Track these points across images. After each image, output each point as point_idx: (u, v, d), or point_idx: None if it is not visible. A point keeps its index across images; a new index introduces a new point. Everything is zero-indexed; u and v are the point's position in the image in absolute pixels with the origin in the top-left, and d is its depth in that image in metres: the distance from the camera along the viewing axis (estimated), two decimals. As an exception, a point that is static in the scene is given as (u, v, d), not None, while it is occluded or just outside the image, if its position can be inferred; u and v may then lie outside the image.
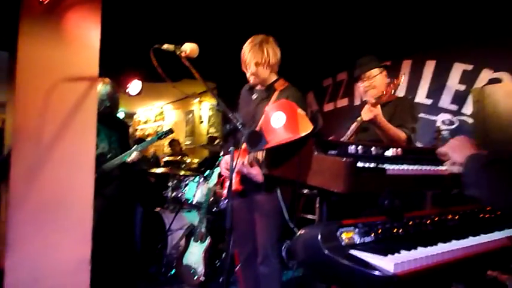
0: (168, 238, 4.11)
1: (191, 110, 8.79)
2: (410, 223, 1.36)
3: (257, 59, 2.36)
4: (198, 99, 8.14)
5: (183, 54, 2.09)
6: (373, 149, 1.53)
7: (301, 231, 1.24)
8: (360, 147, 1.49)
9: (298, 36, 4.45)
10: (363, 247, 1.15)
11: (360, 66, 2.59)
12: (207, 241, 3.60)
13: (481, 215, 1.66)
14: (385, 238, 1.25)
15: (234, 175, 2.49)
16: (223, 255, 3.50)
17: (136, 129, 11.06)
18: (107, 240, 3.26)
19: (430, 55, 3.75)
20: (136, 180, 5.45)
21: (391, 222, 1.32)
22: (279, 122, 1.38)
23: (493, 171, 1.14)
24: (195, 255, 3.60)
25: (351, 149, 1.46)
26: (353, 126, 2.43)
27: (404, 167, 1.37)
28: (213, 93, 1.86)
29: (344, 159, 1.19)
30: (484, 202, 1.19)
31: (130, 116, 11.64)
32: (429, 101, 3.74)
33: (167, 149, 8.81)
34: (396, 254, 1.09)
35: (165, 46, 2.11)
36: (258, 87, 2.54)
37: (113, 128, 3.46)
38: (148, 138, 3.76)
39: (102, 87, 3.33)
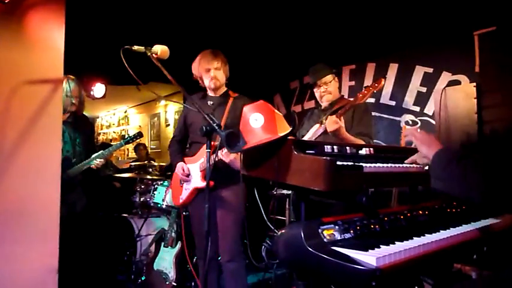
0: (137, 244, 4.02)
1: (156, 113, 8.64)
2: (386, 219, 1.41)
3: (216, 64, 2.60)
4: (164, 102, 8.02)
5: (154, 56, 2.07)
6: (347, 148, 1.58)
7: (282, 230, 1.25)
8: (335, 147, 1.53)
9: (264, 38, 4.50)
10: (344, 243, 1.19)
11: (314, 74, 2.77)
12: (178, 246, 3.55)
13: (449, 210, 1.74)
14: (364, 234, 1.29)
15: (199, 171, 2.57)
16: (195, 259, 3.45)
17: (99, 134, 10.73)
18: (72, 248, 3.14)
19: (393, 58, 3.90)
20: (101, 186, 5.29)
21: (368, 219, 1.36)
22: (257, 122, 1.39)
23: (462, 165, 1.20)
24: (165, 260, 3.54)
25: (328, 148, 1.50)
26: (318, 131, 2.50)
27: (379, 164, 1.42)
28: (187, 95, 1.84)
29: (324, 157, 1.21)
30: (452, 194, 1.25)
31: (92, 120, 11.29)
32: (393, 102, 3.88)
33: (132, 154, 8.61)
34: (376, 249, 1.13)
35: (135, 47, 2.10)
36: (212, 94, 2.71)
37: (78, 129, 3.33)
38: (115, 143, 3.66)
39: (66, 85, 3.19)
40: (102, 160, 3.23)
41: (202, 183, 2.55)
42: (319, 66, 2.78)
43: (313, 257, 1.09)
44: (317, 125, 2.57)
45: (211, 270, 2.73)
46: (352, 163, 1.32)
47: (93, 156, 3.22)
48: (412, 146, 1.50)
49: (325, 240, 1.17)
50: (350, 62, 4.28)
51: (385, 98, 3.93)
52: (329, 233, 1.21)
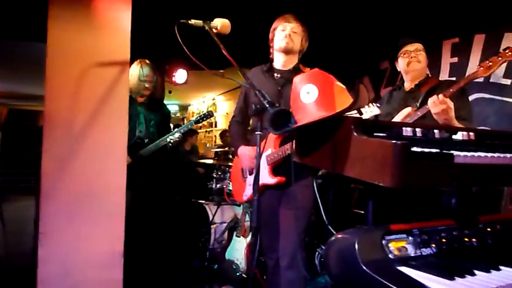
0: (211, 231, 3.96)
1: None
2: (488, 230, 1.00)
3: (296, 26, 2.30)
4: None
5: (214, 30, 1.87)
6: (436, 131, 1.18)
7: (336, 236, 0.94)
8: (418, 129, 1.14)
9: (351, 13, 4.05)
10: (419, 263, 0.84)
11: (403, 40, 2.34)
12: (251, 236, 3.38)
13: None
14: (452, 251, 0.91)
15: (266, 165, 2.26)
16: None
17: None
18: (144, 231, 3.16)
19: (508, 27, 3.19)
20: (184, 171, 5.39)
21: (460, 228, 0.98)
22: (310, 96, 1.08)
23: None
24: (237, 250, 3.40)
25: (407, 131, 1.13)
26: (412, 117, 2.03)
27: (479, 154, 1.01)
28: (240, 69, 1.59)
29: (394, 141, 0.87)
30: None
31: (185, 108, 11.81)
32: (508, 81, 3.19)
33: (219, 141, 8.74)
34: (469, 277, 0.76)
35: (193, 21, 1.93)
36: (280, 67, 2.36)
37: (153, 111, 3.31)
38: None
39: (140, 69, 3.20)
40: (177, 136, 3.18)
41: (272, 180, 2.21)
42: (407, 35, 2.35)
43: (370, 280, 0.77)
44: (408, 109, 2.08)
45: (277, 273, 2.41)
46: (437, 150, 0.95)
47: (167, 135, 3.18)
48: None
49: (390, 256, 0.83)
50: (452, 35, 3.64)
51: (497, 76, 3.25)
52: (398, 246, 0.87)
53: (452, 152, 0.95)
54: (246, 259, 3.29)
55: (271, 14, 2.55)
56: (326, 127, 1.04)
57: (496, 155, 1.04)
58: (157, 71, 3.37)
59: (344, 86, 1.15)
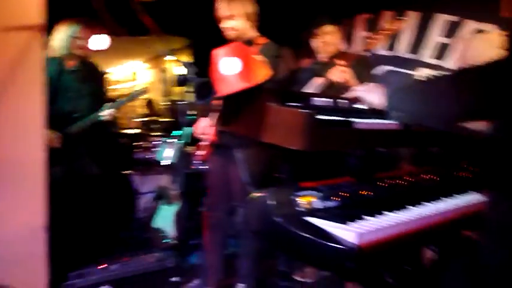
0: (138, 202, 3.95)
1: (165, 67, 8.38)
2: (381, 184, 1.20)
3: (233, 11, 2.22)
4: (171, 56, 7.74)
5: None
6: (341, 101, 1.35)
7: (254, 196, 1.06)
8: (326, 99, 1.30)
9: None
10: (323, 214, 0.99)
11: (315, 22, 2.54)
12: (178, 203, 3.45)
13: (458, 174, 1.52)
14: (351, 203, 1.09)
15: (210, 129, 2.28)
16: (196, 217, 3.36)
17: (107, 90, 10.58)
18: (77, 206, 3.07)
19: (411, 5, 3.51)
20: (108, 143, 5.20)
21: (359, 184, 1.16)
22: (231, 68, 1.16)
23: (419, 89, 1.07)
24: (165, 218, 3.45)
25: (317, 101, 1.28)
26: (319, 86, 2.26)
27: (375, 120, 1.19)
28: (161, 37, 1.61)
29: (302, 110, 0.99)
30: (412, 121, 1.11)
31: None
32: (410, 55, 3.55)
33: (144, 110, 8.46)
34: (361, 222, 0.93)
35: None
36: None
37: (86, 79, 3.05)
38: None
39: (68, 26, 2.87)
40: (109, 114, 2.97)
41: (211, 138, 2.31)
42: (320, 16, 2.56)
43: (283, 230, 0.91)
44: (319, 79, 2.32)
45: (219, 228, 2.58)
46: (340, 118, 1.10)
47: (100, 111, 2.96)
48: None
49: (299, 209, 0.97)
50: (364, 10, 3.91)
51: (401, 51, 3.60)
52: (307, 200, 1.01)
53: (351, 119, 1.11)
54: (175, 226, 3.37)
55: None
56: (246, 97, 1.14)
57: (387, 121, 1.22)
58: (90, 29, 2.99)
59: (262, 59, 1.25)
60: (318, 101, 1.29)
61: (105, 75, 3.44)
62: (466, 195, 1.28)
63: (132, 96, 3.28)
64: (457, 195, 1.25)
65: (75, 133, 2.97)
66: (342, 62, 2.12)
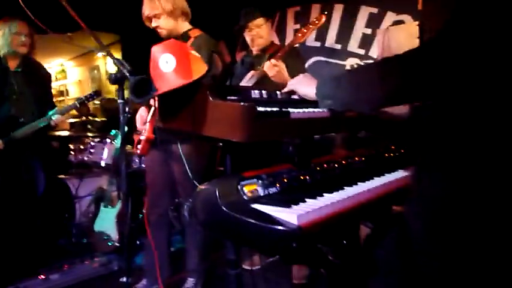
0: (76, 206, 3.79)
1: (96, 65, 8.02)
2: (318, 169, 1.29)
3: (153, 11, 2.22)
4: (102, 53, 7.41)
5: None
6: (278, 93, 1.41)
7: (200, 188, 1.10)
8: (264, 92, 1.36)
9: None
10: (267, 200, 1.05)
11: (245, 16, 2.58)
12: (119, 205, 3.36)
13: (386, 155, 1.66)
14: (292, 188, 1.16)
15: (148, 124, 2.31)
16: (139, 217, 3.31)
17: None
18: (11, 214, 2.88)
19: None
20: (41, 146, 4.88)
21: (298, 170, 1.23)
22: (168, 65, 1.18)
23: (345, 78, 1.16)
24: (107, 220, 3.35)
25: (255, 93, 1.33)
26: (252, 79, 2.33)
27: (309, 110, 1.27)
28: (93, 35, 1.56)
29: (242, 103, 1.04)
30: (341, 108, 1.20)
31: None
32: (338, 46, 3.74)
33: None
34: (301, 204, 1.00)
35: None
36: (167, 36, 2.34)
37: (31, 80, 2.87)
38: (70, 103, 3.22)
39: (9, 23, 2.69)
40: (57, 119, 2.81)
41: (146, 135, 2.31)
42: (249, 9, 2.59)
43: (229, 218, 0.95)
44: (252, 72, 2.40)
45: (161, 226, 2.58)
46: (277, 109, 1.16)
47: (48, 115, 2.80)
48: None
49: (245, 197, 1.02)
50: (294, 3, 4.04)
51: (330, 42, 3.78)
52: (251, 189, 1.06)
53: (288, 109, 1.18)
54: (116, 228, 3.28)
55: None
56: (185, 93, 1.16)
57: (320, 110, 1.31)
58: (31, 27, 2.81)
59: (198, 55, 1.28)
60: (255, 93, 1.35)
61: (50, 77, 3.27)
62: (395, 173, 1.41)
63: (83, 100, 3.07)
64: (387, 174, 1.37)
65: (20, 138, 2.79)
66: (277, 55, 2.20)
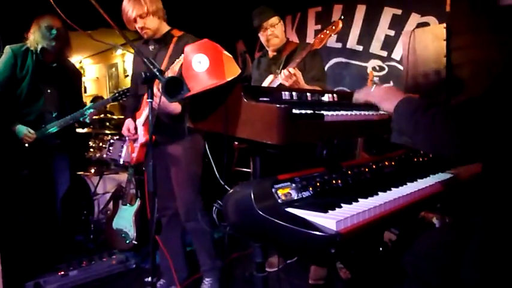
0: (94, 203, 3.82)
1: (114, 63, 8.10)
2: (349, 173, 1.26)
3: (139, 11, 2.23)
4: (120, 51, 7.49)
5: None
6: (308, 94, 1.40)
7: (232, 190, 1.08)
8: (294, 93, 1.34)
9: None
10: (301, 203, 1.03)
11: (258, 16, 2.55)
12: (137, 203, 3.37)
13: (415, 159, 1.62)
14: (325, 191, 1.14)
15: (141, 127, 2.36)
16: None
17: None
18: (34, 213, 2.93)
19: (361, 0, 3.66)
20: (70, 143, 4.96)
21: (329, 173, 1.21)
22: (201, 65, 1.17)
23: (430, 115, 1.03)
24: (125, 218, 3.37)
25: (285, 95, 1.31)
26: (274, 83, 2.33)
27: (342, 112, 1.24)
28: (126, 38, 1.57)
29: (278, 105, 1.02)
30: (416, 148, 1.13)
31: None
32: (360, 47, 3.69)
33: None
34: (337, 209, 0.98)
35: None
36: (151, 36, 2.38)
37: (64, 77, 2.93)
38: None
39: (40, 22, 2.73)
40: (90, 113, 2.91)
41: (143, 139, 2.35)
42: (263, 8, 2.56)
43: (265, 222, 0.93)
44: (271, 76, 2.39)
45: (173, 227, 2.60)
46: (311, 111, 1.14)
47: (79, 112, 2.89)
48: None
49: (279, 201, 1.01)
50: (316, 4, 4.01)
51: (351, 43, 3.73)
52: (284, 192, 1.05)
53: (322, 112, 1.16)
54: (134, 226, 3.30)
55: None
56: (218, 94, 1.15)
57: (353, 112, 1.29)
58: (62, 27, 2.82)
59: (231, 56, 1.27)
60: (285, 95, 1.33)
61: (81, 74, 3.38)
62: (427, 179, 1.37)
63: (116, 96, 3.11)
64: (419, 180, 1.34)
65: (53, 133, 2.86)
66: (295, 62, 2.21)
